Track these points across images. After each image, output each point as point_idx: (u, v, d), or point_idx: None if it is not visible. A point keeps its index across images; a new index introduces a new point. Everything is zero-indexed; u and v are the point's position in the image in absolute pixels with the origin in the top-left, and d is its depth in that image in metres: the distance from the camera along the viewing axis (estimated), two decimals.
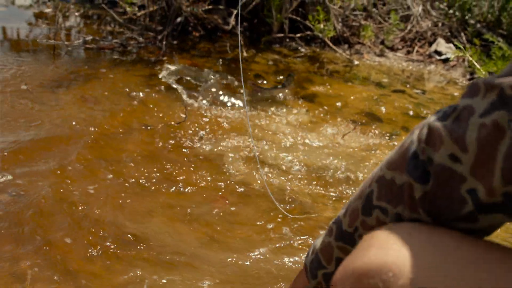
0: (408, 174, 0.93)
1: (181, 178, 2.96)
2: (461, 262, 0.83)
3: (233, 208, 2.75)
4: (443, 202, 0.89)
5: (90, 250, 2.34)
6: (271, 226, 2.62)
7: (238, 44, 5.09)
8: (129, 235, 2.45)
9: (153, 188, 2.85)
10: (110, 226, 2.51)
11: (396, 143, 3.62)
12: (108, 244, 2.38)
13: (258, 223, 2.65)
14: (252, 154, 3.26)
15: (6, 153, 2.94)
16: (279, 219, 2.67)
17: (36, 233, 2.39)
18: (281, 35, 5.42)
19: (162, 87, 4.10)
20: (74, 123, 3.41)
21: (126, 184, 2.84)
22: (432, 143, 0.88)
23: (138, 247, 2.39)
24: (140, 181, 2.89)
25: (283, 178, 3.06)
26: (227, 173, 3.05)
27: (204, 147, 3.32)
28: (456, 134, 0.84)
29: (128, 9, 5.19)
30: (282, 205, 2.69)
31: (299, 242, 2.53)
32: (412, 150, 0.93)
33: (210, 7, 5.47)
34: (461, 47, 4.62)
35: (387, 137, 3.70)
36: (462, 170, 0.84)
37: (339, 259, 1.21)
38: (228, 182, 2.95)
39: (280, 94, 4.18)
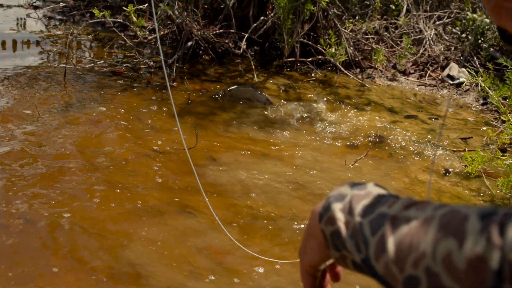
0: None
1: (191, 205, 2.92)
2: None
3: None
4: None
5: (93, 277, 2.29)
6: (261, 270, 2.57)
7: (251, 67, 5.07)
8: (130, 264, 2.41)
9: (161, 215, 2.80)
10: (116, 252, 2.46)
11: (406, 164, 3.56)
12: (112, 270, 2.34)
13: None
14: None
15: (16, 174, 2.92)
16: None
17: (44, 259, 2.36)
18: (292, 59, 5.39)
19: (173, 112, 4.08)
20: (83, 147, 3.38)
21: (135, 210, 2.80)
22: None
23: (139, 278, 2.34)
24: (148, 207, 2.85)
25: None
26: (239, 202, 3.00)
27: (215, 173, 3.28)
28: None
29: (138, 32, 5.19)
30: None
31: None
32: (491, 275, 0.66)
33: (221, 31, 5.47)
34: (474, 72, 4.56)
35: (399, 163, 3.64)
36: None
37: None
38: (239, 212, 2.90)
39: (293, 120, 4.14)
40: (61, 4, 6.77)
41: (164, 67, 1.88)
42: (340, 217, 0.88)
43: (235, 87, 4.61)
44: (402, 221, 0.80)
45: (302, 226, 2.83)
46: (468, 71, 4.98)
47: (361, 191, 0.91)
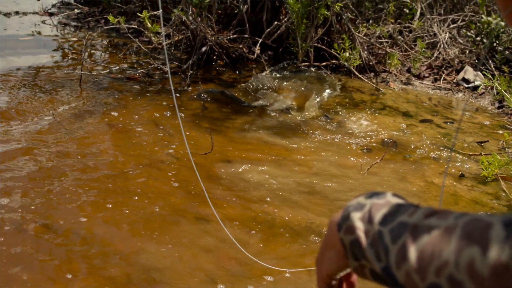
0: None
1: (205, 212, 2.92)
2: None
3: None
4: None
5: (106, 286, 2.31)
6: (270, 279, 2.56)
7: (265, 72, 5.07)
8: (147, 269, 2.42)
9: (175, 221, 2.81)
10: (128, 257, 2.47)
11: (422, 168, 3.54)
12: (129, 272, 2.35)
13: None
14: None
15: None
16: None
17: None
18: (307, 63, 5.39)
19: (189, 118, 4.09)
20: (98, 152, 3.40)
21: (149, 216, 2.81)
22: None
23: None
24: (162, 213, 2.86)
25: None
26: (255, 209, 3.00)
27: (230, 179, 3.28)
28: None
29: (153, 38, 5.22)
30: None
31: None
32: None
33: (234, 36, 5.48)
34: (489, 75, 4.53)
35: (415, 167, 3.62)
36: None
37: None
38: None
39: (308, 125, 4.14)
40: (76, 11, 6.83)
41: (169, 73, 1.89)
42: (360, 226, 0.88)
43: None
44: (423, 230, 0.79)
45: (318, 235, 2.82)
46: (484, 74, 4.95)
47: (380, 200, 0.90)
